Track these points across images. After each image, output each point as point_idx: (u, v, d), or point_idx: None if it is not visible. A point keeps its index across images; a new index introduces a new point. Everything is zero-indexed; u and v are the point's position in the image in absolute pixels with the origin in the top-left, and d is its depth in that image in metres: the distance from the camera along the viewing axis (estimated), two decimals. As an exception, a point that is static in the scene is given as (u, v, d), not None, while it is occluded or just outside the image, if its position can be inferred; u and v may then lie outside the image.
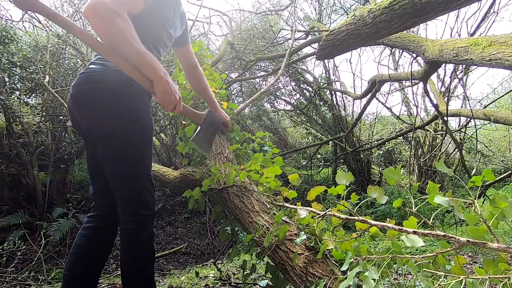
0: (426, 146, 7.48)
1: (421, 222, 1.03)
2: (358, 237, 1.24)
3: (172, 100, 1.28)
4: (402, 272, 2.00)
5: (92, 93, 1.30)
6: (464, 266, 1.01)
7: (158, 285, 2.42)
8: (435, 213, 1.09)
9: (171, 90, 1.26)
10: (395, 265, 1.17)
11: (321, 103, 8.40)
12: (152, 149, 1.51)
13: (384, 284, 1.62)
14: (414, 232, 0.97)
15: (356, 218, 1.16)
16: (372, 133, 8.51)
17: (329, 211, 1.28)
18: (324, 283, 1.17)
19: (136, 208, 1.35)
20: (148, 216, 1.38)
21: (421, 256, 1.01)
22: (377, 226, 1.12)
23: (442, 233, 0.92)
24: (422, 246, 0.95)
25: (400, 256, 1.07)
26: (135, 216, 1.36)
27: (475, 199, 0.91)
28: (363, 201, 1.28)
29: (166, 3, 1.37)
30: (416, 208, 1.00)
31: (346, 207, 1.24)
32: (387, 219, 1.16)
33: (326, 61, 7.55)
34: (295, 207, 1.48)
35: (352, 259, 1.20)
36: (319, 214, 1.33)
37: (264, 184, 1.69)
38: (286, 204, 1.60)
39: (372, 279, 0.98)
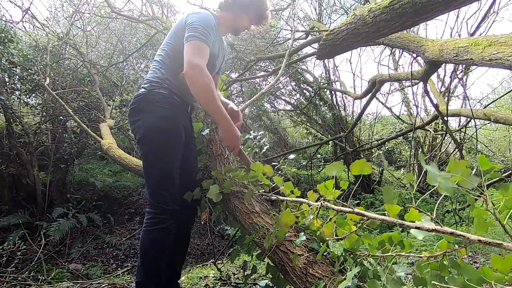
0: (426, 146, 7.48)
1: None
2: (357, 229, 1.20)
3: (231, 141, 1.61)
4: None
5: (133, 112, 1.68)
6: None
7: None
8: (434, 211, 1.06)
9: (230, 133, 1.59)
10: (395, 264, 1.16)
11: (321, 103, 8.39)
12: (177, 151, 1.67)
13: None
14: (419, 228, 0.91)
15: (350, 210, 1.12)
16: (372, 133, 8.51)
17: (323, 199, 1.25)
18: (324, 283, 1.17)
19: (155, 202, 1.58)
20: (165, 210, 1.57)
21: (428, 255, 0.96)
22: (375, 219, 1.06)
23: (450, 230, 0.86)
24: (422, 242, 0.93)
25: (406, 254, 1.03)
26: (155, 208, 1.58)
27: (484, 187, 0.85)
28: (363, 203, 1.27)
29: (214, 57, 1.73)
30: (416, 203, 0.96)
31: (338, 200, 1.21)
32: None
33: (326, 61, 7.55)
34: (292, 199, 1.47)
35: (351, 256, 1.19)
36: (314, 205, 1.31)
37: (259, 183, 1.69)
38: (282, 197, 1.58)
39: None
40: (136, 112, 1.67)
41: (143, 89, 1.68)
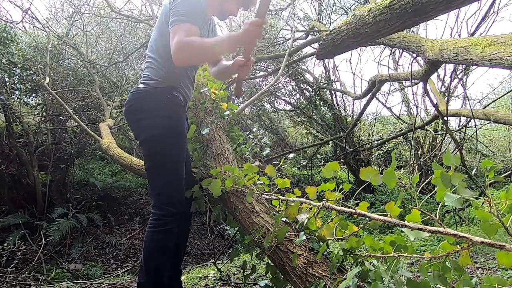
0: (426, 146, 7.48)
1: (426, 221, 0.99)
2: (359, 230, 1.20)
3: (258, 36, 1.36)
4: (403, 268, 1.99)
5: (135, 109, 1.59)
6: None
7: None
8: (437, 212, 1.05)
9: (251, 35, 1.35)
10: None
11: (321, 103, 8.39)
12: (184, 152, 1.64)
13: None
14: (420, 230, 0.91)
15: (353, 210, 1.12)
16: (372, 133, 8.51)
17: (325, 200, 1.25)
18: (324, 283, 1.17)
19: (160, 204, 1.53)
20: (172, 213, 1.52)
21: (430, 256, 0.96)
22: (377, 219, 1.06)
23: (454, 232, 0.86)
24: (422, 243, 0.92)
25: (408, 255, 1.02)
26: (160, 210, 1.53)
27: (486, 189, 0.84)
28: (362, 201, 1.27)
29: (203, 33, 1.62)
30: (420, 204, 0.96)
31: (338, 200, 1.21)
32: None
33: (326, 61, 7.55)
34: (293, 198, 1.47)
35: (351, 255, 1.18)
36: (315, 205, 1.31)
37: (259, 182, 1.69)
38: (281, 197, 1.58)
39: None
40: (137, 110, 1.57)
41: (145, 86, 1.57)
